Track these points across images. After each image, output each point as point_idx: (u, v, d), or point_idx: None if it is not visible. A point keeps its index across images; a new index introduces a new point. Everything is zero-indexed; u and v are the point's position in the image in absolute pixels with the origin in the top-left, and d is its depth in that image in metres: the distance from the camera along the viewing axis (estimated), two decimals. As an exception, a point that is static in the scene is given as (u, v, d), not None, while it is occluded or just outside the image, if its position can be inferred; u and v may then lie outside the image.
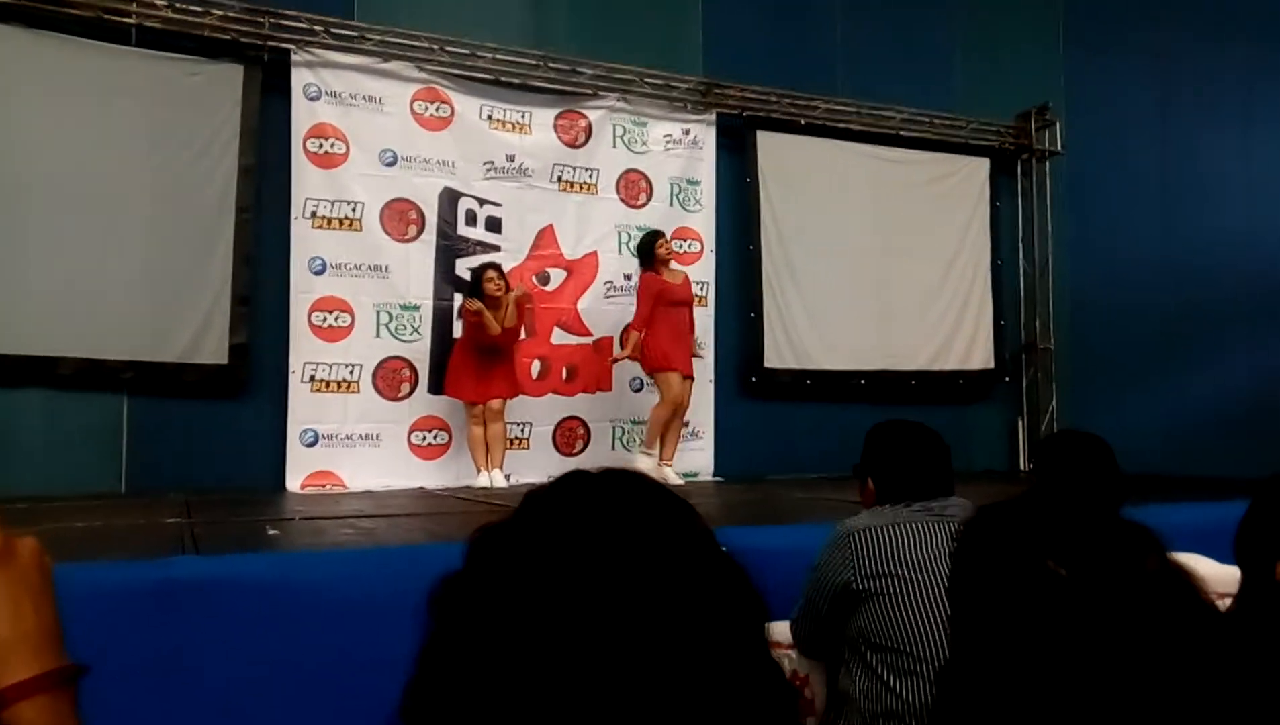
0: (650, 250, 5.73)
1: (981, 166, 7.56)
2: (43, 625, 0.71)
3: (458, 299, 5.86)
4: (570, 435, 6.24)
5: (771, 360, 6.74)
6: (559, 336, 6.21)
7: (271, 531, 3.34)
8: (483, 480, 5.46)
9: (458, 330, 5.77)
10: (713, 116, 6.66)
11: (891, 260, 7.08)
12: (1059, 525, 0.90)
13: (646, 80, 6.44)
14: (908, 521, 2.12)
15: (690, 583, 0.71)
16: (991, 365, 7.48)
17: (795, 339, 6.81)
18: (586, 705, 0.65)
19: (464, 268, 5.92)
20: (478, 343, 5.49)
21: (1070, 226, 7.65)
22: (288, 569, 2.22)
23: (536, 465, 5.68)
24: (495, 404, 5.51)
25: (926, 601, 2.04)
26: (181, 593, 2.11)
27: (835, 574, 2.11)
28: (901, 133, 7.19)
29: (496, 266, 5.67)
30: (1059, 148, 7.59)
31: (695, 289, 6.13)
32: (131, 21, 5.25)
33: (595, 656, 0.66)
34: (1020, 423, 7.64)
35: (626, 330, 5.85)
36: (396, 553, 2.52)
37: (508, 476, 5.45)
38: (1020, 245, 7.74)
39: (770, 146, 6.83)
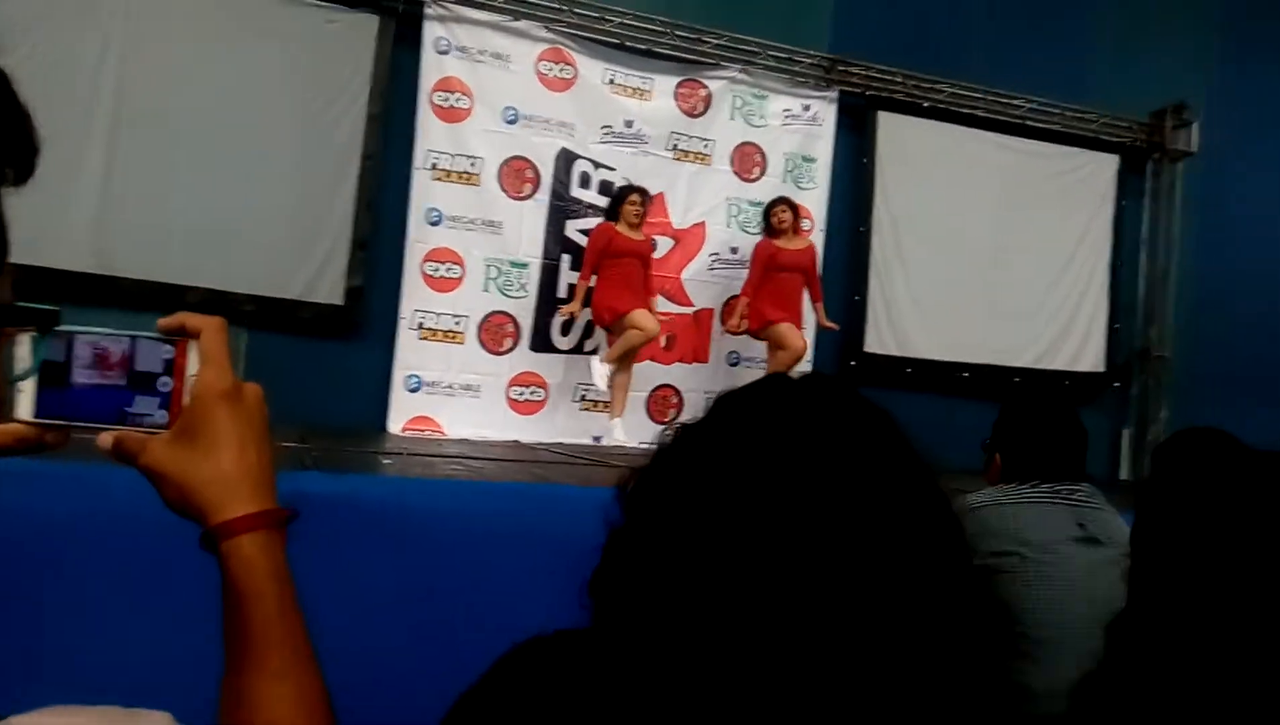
0: (765, 217, 5.77)
1: (1109, 163, 7.26)
2: (264, 466, 0.74)
3: (565, 260, 5.93)
4: (664, 403, 6.26)
5: (872, 345, 6.63)
6: (662, 305, 6.19)
7: (385, 461, 3.45)
8: (618, 431, 5.51)
9: (562, 290, 5.85)
10: (835, 94, 6.55)
11: (1006, 253, 6.87)
12: (1260, 456, 0.88)
13: (770, 53, 6.36)
14: (1031, 501, 2.07)
15: (893, 488, 0.71)
16: (1101, 368, 7.22)
17: (899, 325, 6.68)
18: (781, 601, 0.66)
19: (574, 229, 5.99)
20: (614, 265, 5.50)
21: (1197, 231, 7.30)
22: (414, 492, 2.29)
23: (628, 431, 5.70)
24: (636, 337, 5.42)
25: (1045, 582, 1.99)
26: (309, 504, 2.20)
27: (951, 549, 2.07)
28: (1029, 122, 6.94)
29: (643, 192, 5.64)
30: (1193, 148, 7.25)
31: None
32: (275, -34, 5.42)
33: (787, 555, 0.67)
34: (1125, 432, 7.36)
35: (732, 301, 5.87)
36: (520, 488, 2.58)
37: (597, 439, 5.46)
38: (1143, 248, 7.42)
39: (891, 128, 6.68)
